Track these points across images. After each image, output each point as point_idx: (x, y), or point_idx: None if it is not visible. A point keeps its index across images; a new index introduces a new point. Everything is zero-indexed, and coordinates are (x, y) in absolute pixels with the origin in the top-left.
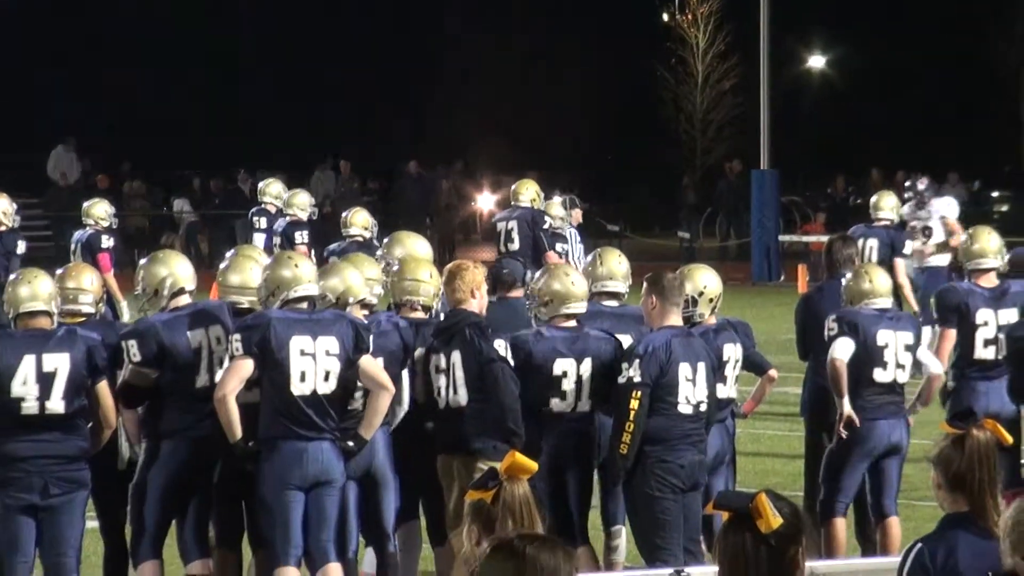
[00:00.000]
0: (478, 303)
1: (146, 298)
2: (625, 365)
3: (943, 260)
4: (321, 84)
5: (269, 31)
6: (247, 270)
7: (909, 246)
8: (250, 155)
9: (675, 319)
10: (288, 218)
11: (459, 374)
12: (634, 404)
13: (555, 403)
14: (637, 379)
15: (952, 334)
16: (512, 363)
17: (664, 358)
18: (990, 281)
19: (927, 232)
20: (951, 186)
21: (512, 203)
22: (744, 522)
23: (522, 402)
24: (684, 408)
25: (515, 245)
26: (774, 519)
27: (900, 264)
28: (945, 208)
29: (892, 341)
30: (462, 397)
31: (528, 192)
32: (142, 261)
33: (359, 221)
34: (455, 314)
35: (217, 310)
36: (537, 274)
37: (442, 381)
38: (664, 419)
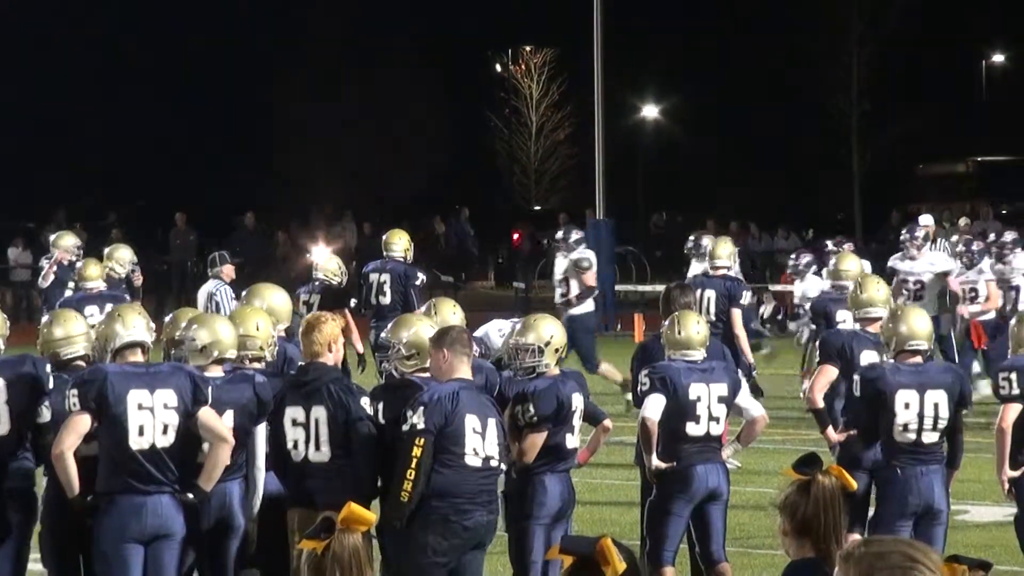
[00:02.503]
0: (334, 357)
1: None
2: (410, 412)
3: None
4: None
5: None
6: (69, 320)
7: (746, 296)
8: (81, 207)
9: (464, 371)
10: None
11: (323, 431)
12: (416, 451)
13: None
14: (420, 426)
15: (829, 370)
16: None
17: (449, 407)
18: (877, 329)
19: None
20: (783, 238)
21: (384, 254)
22: (588, 567)
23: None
24: (472, 460)
25: (386, 299)
26: (619, 564)
27: (737, 314)
28: None
29: (704, 394)
30: (324, 454)
31: (400, 243)
32: None
33: (93, 274)
34: (314, 368)
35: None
36: (397, 327)
37: (299, 435)
38: (453, 473)
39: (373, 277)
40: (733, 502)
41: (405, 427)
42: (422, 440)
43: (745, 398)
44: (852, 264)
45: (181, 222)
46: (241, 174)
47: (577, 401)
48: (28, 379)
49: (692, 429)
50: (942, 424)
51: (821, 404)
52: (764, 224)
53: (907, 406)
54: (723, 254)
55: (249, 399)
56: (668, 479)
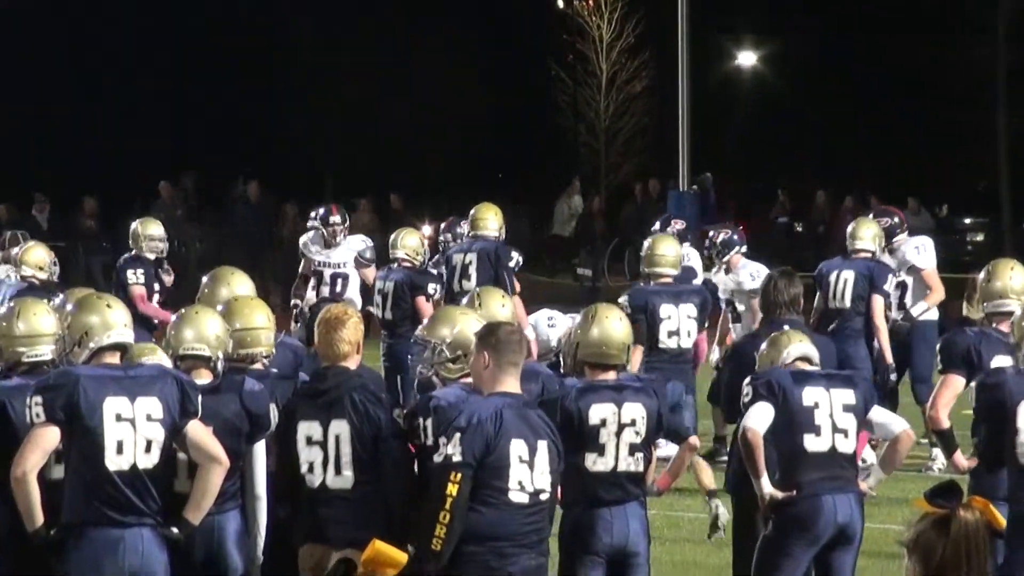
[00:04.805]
0: (355, 362)
1: None
2: (443, 440)
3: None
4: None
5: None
6: (37, 314)
7: (891, 282)
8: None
9: (511, 384)
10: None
11: (345, 450)
12: (452, 489)
13: None
14: (457, 458)
15: (954, 380)
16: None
17: (492, 432)
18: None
19: None
20: (912, 214)
21: (471, 233)
22: None
23: None
24: (518, 496)
25: (471, 283)
26: None
27: (878, 301)
28: None
29: (824, 400)
30: (347, 479)
31: (494, 220)
32: None
33: (33, 259)
34: (334, 374)
35: None
36: (436, 323)
37: (316, 456)
38: (494, 512)
39: (457, 258)
40: None
41: (438, 458)
42: (458, 475)
43: (879, 411)
44: (670, 248)
45: (166, 193)
46: (242, 138)
47: (604, 412)
48: None
49: (811, 444)
50: None
51: (947, 424)
52: (888, 198)
53: None
54: (865, 235)
55: (235, 413)
56: (785, 512)
